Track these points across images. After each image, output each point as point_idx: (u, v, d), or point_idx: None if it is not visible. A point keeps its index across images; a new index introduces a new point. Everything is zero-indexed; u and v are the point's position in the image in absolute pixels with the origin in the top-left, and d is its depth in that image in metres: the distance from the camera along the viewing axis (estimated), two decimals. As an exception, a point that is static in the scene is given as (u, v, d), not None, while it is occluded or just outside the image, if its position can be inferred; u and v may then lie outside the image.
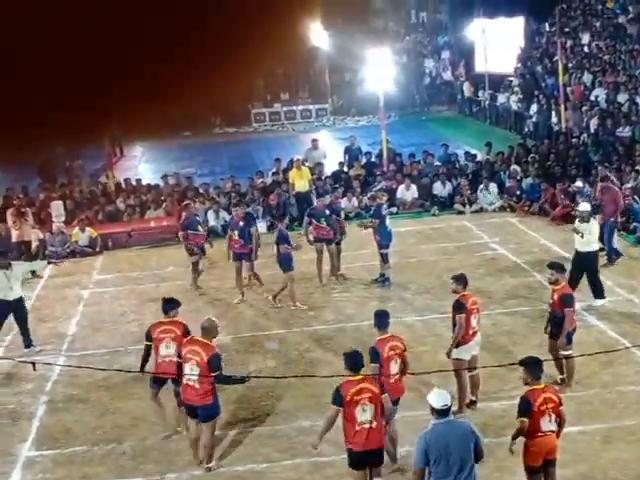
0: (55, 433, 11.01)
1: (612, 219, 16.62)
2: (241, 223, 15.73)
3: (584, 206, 14.72)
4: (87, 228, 20.10)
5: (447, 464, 7.54)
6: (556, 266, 11.51)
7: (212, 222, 20.76)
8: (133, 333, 14.30)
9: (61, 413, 11.61)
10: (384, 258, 16.01)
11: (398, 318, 14.13)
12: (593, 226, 14.45)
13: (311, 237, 16.40)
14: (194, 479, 9.75)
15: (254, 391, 11.73)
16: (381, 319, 9.83)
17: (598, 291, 14.40)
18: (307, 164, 22.49)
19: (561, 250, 17.66)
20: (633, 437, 9.98)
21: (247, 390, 11.71)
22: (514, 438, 8.41)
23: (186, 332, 10.26)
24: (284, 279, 15.22)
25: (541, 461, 8.30)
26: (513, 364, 10.53)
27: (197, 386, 9.40)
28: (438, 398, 7.75)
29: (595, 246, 14.46)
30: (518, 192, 21.46)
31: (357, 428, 8.27)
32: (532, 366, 8.53)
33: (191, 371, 9.40)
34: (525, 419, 8.25)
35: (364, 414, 8.26)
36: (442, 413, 7.68)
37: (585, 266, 14.33)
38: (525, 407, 8.28)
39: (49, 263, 17.01)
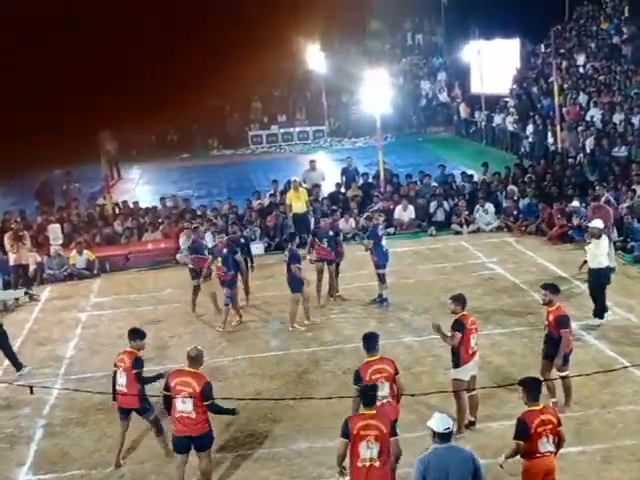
0: (53, 457, 10.96)
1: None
2: (225, 250, 15.53)
3: (596, 222, 14.58)
4: (85, 251, 20.10)
5: None
6: (549, 287, 11.45)
7: (210, 244, 20.76)
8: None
9: (59, 437, 11.55)
10: (381, 278, 16.02)
11: (396, 339, 14.14)
12: (602, 243, 14.36)
13: (313, 257, 16.47)
14: (192, 502, 9.70)
15: (252, 413, 11.69)
16: (368, 342, 9.72)
17: (599, 310, 14.39)
18: (305, 185, 22.56)
19: (558, 269, 17.70)
20: (633, 457, 9.93)
21: (245, 412, 11.65)
22: (507, 457, 8.37)
23: (134, 364, 10.21)
24: (292, 299, 15.13)
25: None
26: (512, 384, 10.54)
27: (193, 416, 9.26)
28: (440, 422, 7.66)
29: (604, 263, 14.37)
30: (515, 212, 21.51)
31: (359, 464, 8.00)
32: (530, 386, 8.50)
33: (183, 404, 9.26)
34: (520, 442, 8.21)
35: (368, 451, 7.97)
36: (444, 437, 7.58)
37: (593, 282, 14.40)
38: (522, 430, 8.21)
39: (26, 294, 17.04)
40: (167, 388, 9.50)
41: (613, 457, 9.94)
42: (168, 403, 9.51)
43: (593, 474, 9.58)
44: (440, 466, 7.46)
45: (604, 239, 14.43)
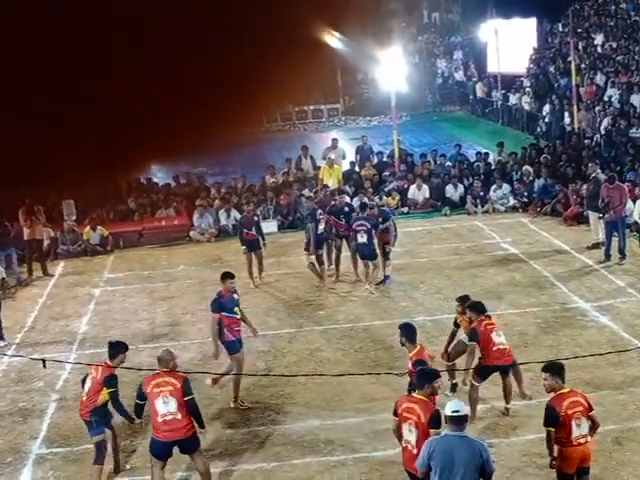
0: (66, 431, 11.02)
1: (623, 216, 16.87)
2: None
3: None
4: (98, 227, 20.16)
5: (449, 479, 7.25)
6: (464, 299, 11.33)
7: (223, 221, 20.82)
8: (144, 332, 14.32)
9: (72, 411, 11.56)
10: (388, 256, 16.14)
11: (409, 318, 14.10)
12: None
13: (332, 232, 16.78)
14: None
15: (264, 390, 11.73)
16: (411, 332, 9.61)
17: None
18: (325, 163, 22.59)
19: (572, 250, 17.62)
20: (645, 438, 9.92)
21: (257, 389, 11.70)
22: (550, 451, 8.21)
23: (107, 382, 9.36)
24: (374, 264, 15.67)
25: (575, 468, 8.16)
26: (522, 364, 10.53)
27: (179, 417, 8.84)
28: (450, 405, 7.50)
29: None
30: (525, 193, 21.43)
31: (403, 444, 8.06)
32: (556, 370, 8.37)
33: (165, 404, 8.83)
34: (552, 429, 8.12)
35: (410, 434, 7.92)
36: (454, 421, 7.36)
37: None
38: (551, 416, 8.11)
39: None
40: (142, 397, 9.11)
41: (625, 438, 9.91)
42: (140, 410, 9.25)
43: (604, 455, 9.53)
44: (446, 455, 7.26)
45: None
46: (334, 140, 24.82)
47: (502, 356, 10.39)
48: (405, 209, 21.51)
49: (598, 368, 11.57)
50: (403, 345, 9.64)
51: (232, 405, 11.30)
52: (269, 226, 19.81)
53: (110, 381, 9.41)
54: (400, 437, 8.14)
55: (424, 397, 7.98)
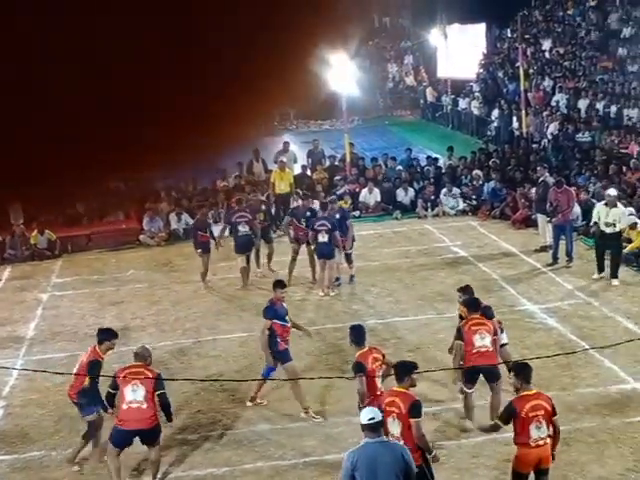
0: (12, 438, 10.83)
1: (571, 219, 17.08)
2: None
3: (613, 191, 16.07)
4: (46, 231, 19.86)
5: None
6: (464, 290, 11.31)
7: (174, 225, 20.67)
8: (92, 337, 13.98)
9: (19, 418, 11.43)
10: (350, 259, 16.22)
11: (361, 321, 14.12)
12: (620, 209, 15.65)
13: (291, 235, 16.76)
14: (154, 484, 9.63)
15: (215, 395, 11.66)
16: (359, 334, 9.63)
17: (615, 271, 15.49)
18: (276, 166, 22.51)
19: (521, 253, 17.85)
20: (592, 439, 10.05)
21: (208, 394, 11.63)
22: (483, 429, 8.61)
23: (89, 368, 9.53)
24: (330, 265, 15.64)
25: (530, 469, 8.22)
26: (472, 367, 10.59)
27: (144, 407, 8.97)
28: (365, 413, 7.42)
29: (618, 227, 15.52)
30: (474, 196, 21.67)
31: (390, 439, 7.98)
32: (520, 371, 8.43)
33: (134, 392, 8.97)
34: (500, 423, 8.26)
35: (392, 427, 7.96)
36: (370, 429, 7.26)
37: (610, 246, 15.62)
38: (508, 413, 8.20)
39: None
40: (115, 387, 9.19)
41: (572, 439, 10.02)
42: (111, 400, 9.32)
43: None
44: (369, 461, 7.16)
45: (620, 206, 15.81)
46: (285, 144, 24.75)
47: (480, 357, 10.16)
48: (356, 213, 21.58)
49: (546, 370, 11.69)
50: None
51: (302, 414, 10.92)
52: (220, 230, 19.70)
53: (93, 367, 9.56)
54: (387, 432, 8.02)
55: (404, 389, 8.08)
